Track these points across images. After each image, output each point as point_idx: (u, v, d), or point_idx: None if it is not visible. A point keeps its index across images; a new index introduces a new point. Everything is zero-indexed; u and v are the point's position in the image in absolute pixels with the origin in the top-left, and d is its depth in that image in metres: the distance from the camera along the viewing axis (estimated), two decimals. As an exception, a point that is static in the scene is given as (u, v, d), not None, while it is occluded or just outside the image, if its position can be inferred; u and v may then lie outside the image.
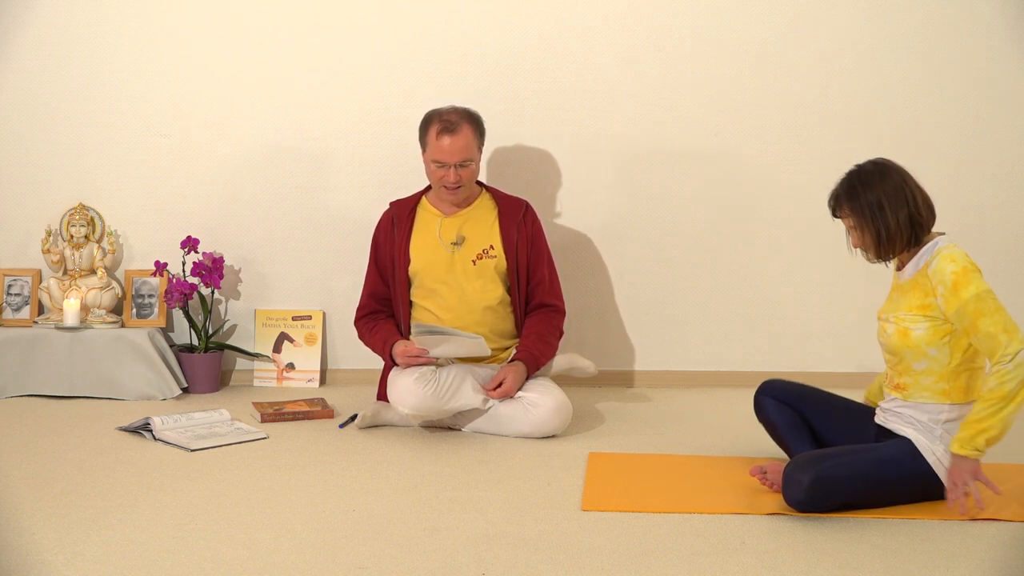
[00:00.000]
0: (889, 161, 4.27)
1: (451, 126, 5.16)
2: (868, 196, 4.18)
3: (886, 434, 4.32)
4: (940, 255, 4.18)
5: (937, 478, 4.22)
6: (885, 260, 4.29)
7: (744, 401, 5.67)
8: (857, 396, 4.69)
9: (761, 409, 4.67)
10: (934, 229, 4.26)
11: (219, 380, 5.89)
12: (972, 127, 5.92)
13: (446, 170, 5.17)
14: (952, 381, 4.22)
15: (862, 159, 4.38)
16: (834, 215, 4.30)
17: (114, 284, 5.87)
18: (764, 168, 5.93)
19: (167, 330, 5.97)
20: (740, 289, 6.00)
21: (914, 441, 4.23)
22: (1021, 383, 4.05)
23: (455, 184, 5.19)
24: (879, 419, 4.38)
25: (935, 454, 4.21)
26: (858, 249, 4.30)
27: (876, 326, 4.42)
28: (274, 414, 5.32)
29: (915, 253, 4.26)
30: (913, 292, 4.23)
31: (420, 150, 5.28)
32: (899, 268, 4.33)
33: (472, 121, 5.23)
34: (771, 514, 4.17)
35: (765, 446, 4.84)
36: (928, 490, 4.25)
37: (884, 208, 4.17)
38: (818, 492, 4.10)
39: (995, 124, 5.92)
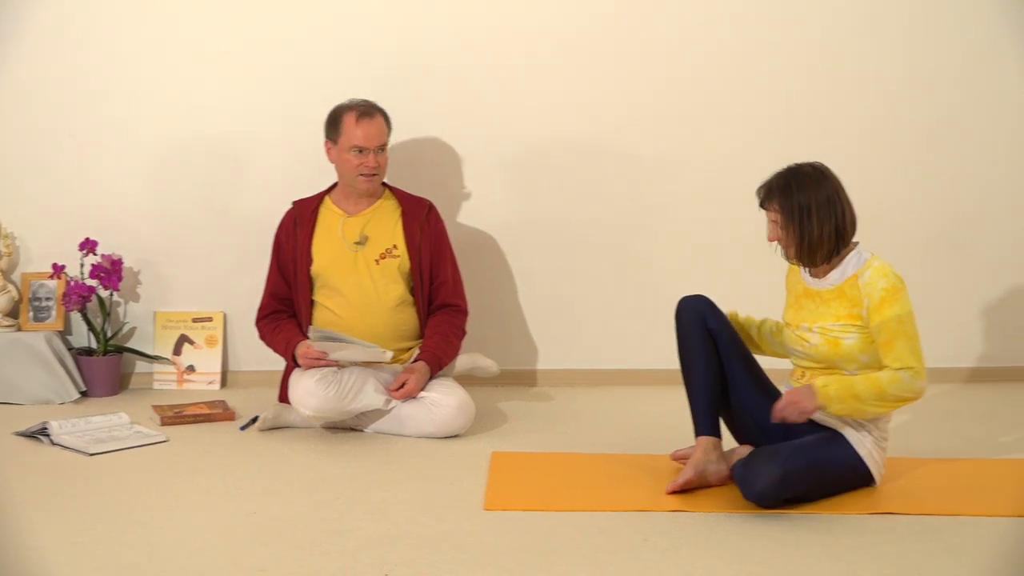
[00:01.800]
0: (827, 168, 4.30)
1: (369, 110, 5.22)
2: (800, 198, 4.21)
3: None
4: (872, 268, 4.24)
5: (865, 466, 4.31)
6: (804, 265, 4.32)
7: (646, 399, 5.72)
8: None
9: (689, 324, 4.54)
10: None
11: (118, 383, 5.83)
12: (869, 116, 5.98)
13: (365, 156, 5.18)
14: None
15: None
16: (761, 206, 4.32)
17: (10, 287, 5.78)
18: (664, 166, 5.96)
19: (65, 333, 5.89)
20: (641, 287, 6.02)
21: (844, 433, 4.30)
22: (896, 401, 4.20)
23: (373, 171, 5.19)
24: None
25: (865, 446, 4.29)
26: (774, 243, 4.34)
27: (786, 332, 4.46)
28: (174, 417, 5.27)
29: (836, 263, 4.31)
30: (839, 302, 4.28)
31: (326, 147, 5.27)
32: (814, 274, 4.37)
33: (383, 112, 5.28)
34: (673, 511, 4.20)
35: (666, 445, 4.86)
36: (857, 480, 4.34)
37: (812, 215, 4.21)
38: (784, 485, 4.14)
39: (899, 119, 5.99)
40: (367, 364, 5.12)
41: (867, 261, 4.27)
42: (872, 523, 4.10)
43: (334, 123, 5.25)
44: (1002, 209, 6.07)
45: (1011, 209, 6.07)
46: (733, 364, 4.50)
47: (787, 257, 4.35)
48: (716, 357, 4.48)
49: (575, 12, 5.87)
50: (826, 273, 4.33)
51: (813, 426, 4.34)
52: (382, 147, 5.23)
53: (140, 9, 5.81)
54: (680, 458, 4.64)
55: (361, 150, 5.18)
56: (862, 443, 4.29)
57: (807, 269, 4.38)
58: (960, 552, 3.86)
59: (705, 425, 4.46)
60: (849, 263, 4.29)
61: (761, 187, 4.32)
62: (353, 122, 5.19)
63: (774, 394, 4.49)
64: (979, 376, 6.11)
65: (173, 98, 5.86)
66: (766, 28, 5.92)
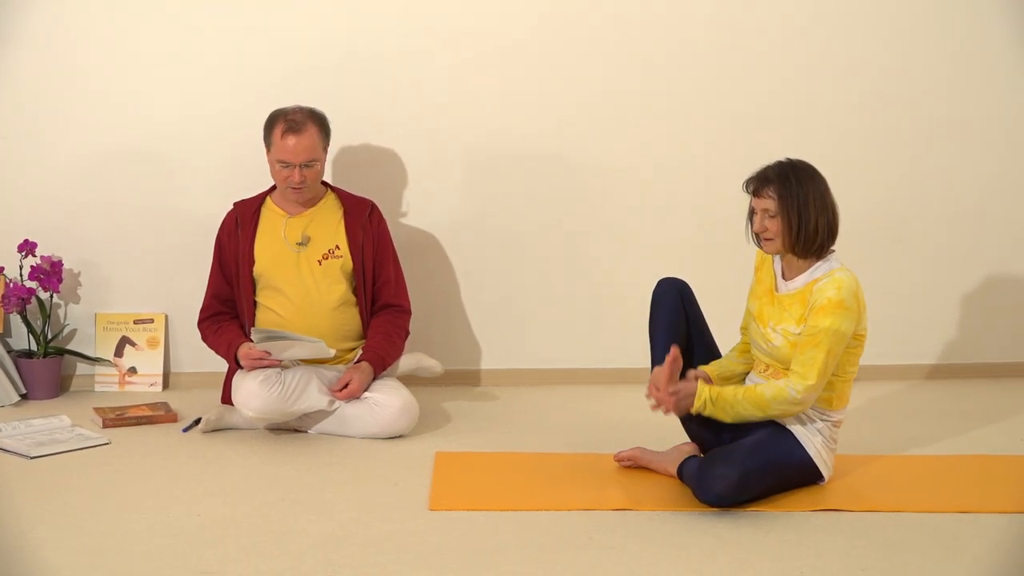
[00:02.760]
0: (815, 166, 4.35)
1: (296, 126, 5.13)
2: (798, 189, 4.25)
3: None
4: (832, 278, 4.26)
5: (814, 464, 4.34)
6: (794, 254, 4.33)
7: (590, 399, 5.73)
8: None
9: (665, 295, 4.65)
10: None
11: (59, 386, 5.78)
12: (813, 117, 6.01)
13: (291, 170, 5.14)
14: (832, 390, 4.33)
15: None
16: (755, 195, 4.33)
17: (-52, 289, 5.74)
18: (609, 167, 5.96)
19: (5, 335, 5.84)
20: (585, 287, 6.03)
21: (793, 431, 4.33)
22: (775, 415, 4.26)
23: (299, 184, 5.15)
24: None
25: (815, 445, 4.32)
26: (753, 236, 4.38)
27: (751, 324, 4.49)
28: (116, 419, 5.24)
29: (808, 266, 4.33)
30: (797, 306, 4.31)
31: (264, 150, 5.24)
32: (785, 276, 4.40)
33: (317, 121, 5.20)
34: (617, 509, 4.22)
35: (610, 444, 4.87)
36: (806, 477, 4.37)
37: (809, 207, 4.24)
38: (742, 488, 4.17)
39: (842, 121, 6.02)
40: (311, 361, 5.11)
41: (832, 271, 4.29)
42: (816, 520, 4.13)
43: (268, 129, 5.20)
44: (970, 206, 6.13)
45: (978, 205, 6.13)
46: (696, 350, 4.58)
47: (771, 249, 4.36)
48: (684, 328, 4.57)
49: (522, 12, 5.87)
50: (796, 275, 4.35)
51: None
52: (310, 162, 5.16)
53: (75, 10, 5.76)
54: (623, 459, 4.66)
55: (286, 164, 5.16)
56: (811, 442, 4.32)
57: (781, 269, 4.41)
58: (903, 548, 3.90)
59: (662, 359, 4.44)
60: (818, 269, 4.32)
61: (754, 177, 4.34)
62: (280, 136, 5.13)
63: None
64: (939, 373, 6.16)
65: (112, 98, 5.81)
66: (715, 31, 5.92)
